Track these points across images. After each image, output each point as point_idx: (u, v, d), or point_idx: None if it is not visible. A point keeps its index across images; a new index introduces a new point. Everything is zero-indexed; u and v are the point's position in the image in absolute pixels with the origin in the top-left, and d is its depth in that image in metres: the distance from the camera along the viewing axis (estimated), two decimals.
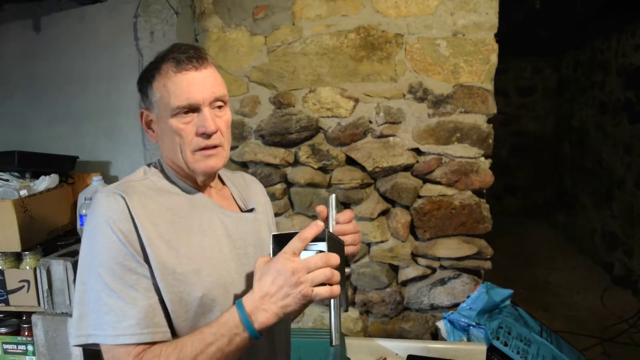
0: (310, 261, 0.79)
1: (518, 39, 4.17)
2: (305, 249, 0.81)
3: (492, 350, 1.72)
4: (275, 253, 0.82)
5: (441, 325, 1.96)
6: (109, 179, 2.15)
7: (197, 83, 0.91)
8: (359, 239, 0.98)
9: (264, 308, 0.79)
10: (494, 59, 2.08)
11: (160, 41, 2.09)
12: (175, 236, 0.90)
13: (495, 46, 2.07)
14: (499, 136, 2.39)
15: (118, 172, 2.24)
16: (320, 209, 0.94)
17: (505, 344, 1.74)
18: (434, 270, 2.19)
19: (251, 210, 1.08)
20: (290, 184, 2.25)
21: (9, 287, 1.75)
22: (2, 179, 1.85)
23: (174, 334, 0.87)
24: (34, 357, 1.80)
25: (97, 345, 0.85)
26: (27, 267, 1.77)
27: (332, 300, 0.82)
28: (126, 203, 0.87)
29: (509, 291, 2.00)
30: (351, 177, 2.16)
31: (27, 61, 2.27)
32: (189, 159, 0.93)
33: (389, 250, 2.18)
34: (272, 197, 2.18)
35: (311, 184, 2.19)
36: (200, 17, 2.23)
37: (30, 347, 1.82)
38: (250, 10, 2.19)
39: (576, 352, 2.01)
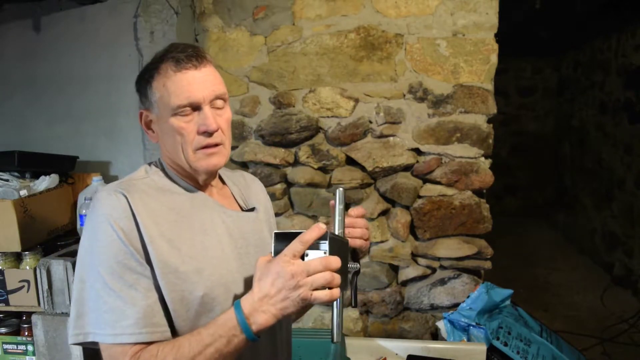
0: (310, 264, 0.78)
1: (518, 39, 4.17)
2: (311, 249, 0.80)
3: (492, 350, 1.72)
4: (276, 251, 0.82)
5: (441, 325, 1.95)
6: (109, 179, 2.15)
7: (197, 82, 0.91)
8: (368, 234, 1.00)
9: (262, 310, 0.79)
10: (494, 59, 2.08)
11: (160, 41, 2.09)
12: (177, 235, 0.90)
13: (495, 46, 2.07)
14: (499, 136, 2.39)
15: (118, 172, 2.24)
16: (333, 204, 0.94)
17: (505, 344, 1.73)
18: (434, 270, 2.19)
19: (252, 209, 1.08)
20: (290, 184, 2.25)
21: (9, 287, 1.75)
22: (2, 179, 1.85)
23: (174, 333, 0.87)
24: (34, 357, 1.80)
25: (96, 343, 0.85)
26: (27, 267, 1.77)
27: None
28: (128, 201, 0.86)
29: (509, 291, 2.00)
30: (351, 177, 2.16)
31: (27, 61, 2.27)
32: (191, 157, 0.93)
33: (389, 250, 2.18)
34: (272, 197, 2.18)
35: (311, 184, 2.19)
36: (200, 17, 2.23)
37: (30, 347, 1.82)
38: (250, 10, 2.19)
39: (576, 352, 2.01)
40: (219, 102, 0.94)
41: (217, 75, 0.96)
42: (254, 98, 2.23)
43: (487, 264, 2.16)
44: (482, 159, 2.13)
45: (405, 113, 2.13)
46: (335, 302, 0.82)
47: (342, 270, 0.82)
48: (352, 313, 2.24)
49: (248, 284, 0.95)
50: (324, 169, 2.21)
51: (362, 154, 2.15)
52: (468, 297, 1.97)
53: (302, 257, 0.80)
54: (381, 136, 2.15)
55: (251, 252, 1.00)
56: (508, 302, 2.02)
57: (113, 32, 2.16)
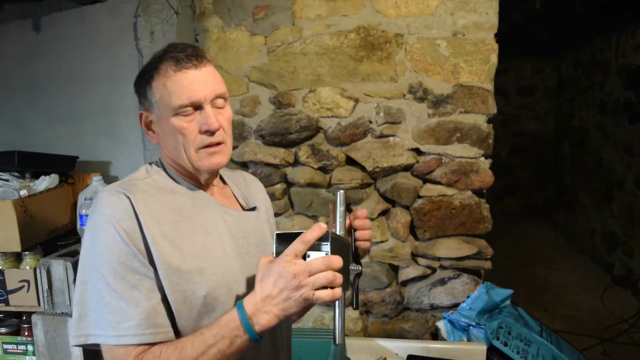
0: (312, 264, 0.78)
1: (518, 39, 4.17)
2: (312, 249, 0.80)
3: (492, 350, 1.72)
4: (278, 252, 0.82)
5: (441, 325, 1.96)
6: (109, 179, 2.15)
7: (197, 81, 0.91)
8: (371, 236, 1.01)
9: (265, 310, 0.79)
10: (494, 59, 2.08)
11: (160, 41, 2.09)
12: (179, 235, 0.89)
13: (495, 46, 2.07)
14: (499, 136, 2.39)
15: (118, 172, 2.24)
16: (332, 206, 0.95)
17: (505, 344, 1.74)
18: (434, 270, 2.20)
19: (253, 208, 1.08)
20: (290, 184, 2.25)
21: (9, 287, 1.75)
22: (2, 179, 1.85)
23: (177, 334, 0.87)
24: (34, 357, 1.80)
25: (98, 345, 0.84)
26: (27, 267, 1.77)
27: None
28: (130, 202, 0.86)
29: (509, 291, 2.00)
30: (351, 177, 2.16)
31: (27, 61, 2.27)
32: (193, 157, 0.93)
33: (389, 250, 2.18)
34: (272, 197, 2.19)
35: (311, 184, 2.19)
36: (200, 17, 2.23)
37: (30, 347, 1.82)
38: (250, 10, 2.19)
39: (576, 352, 2.01)
40: (220, 101, 0.95)
41: (217, 75, 0.96)
42: (254, 98, 2.23)
43: (487, 264, 2.16)
44: (482, 159, 2.13)
45: (405, 113, 2.13)
46: (337, 304, 0.82)
47: (344, 270, 0.82)
48: (352, 313, 2.24)
49: (250, 283, 0.95)
50: (324, 169, 2.21)
51: (362, 154, 2.15)
52: (468, 297, 1.98)
53: (304, 258, 0.80)
54: (381, 136, 2.15)
55: (252, 251, 1.00)
56: (508, 302, 2.02)
57: (113, 32, 2.16)
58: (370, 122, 2.16)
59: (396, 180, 2.14)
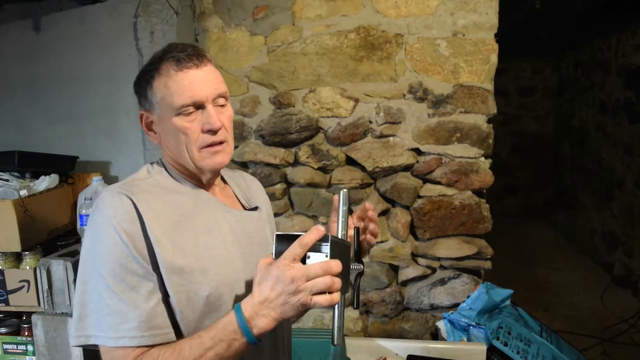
0: (310, 269, 0.77)
1: (518, 39, 4.17)
2: (313, 251, 0.79)
3: (492, 350, 1.72)
4: (277, 253, 0.81)
5: (441, 325, 1.95)
6: (109, 179, 2.15)
7: (199, 81, 0.91)
8: (377, 230, 1.04)
9: (263, 314, 0.78)
10: (494, 59, 2.08)
11: (160, 41, 2.09)
12: (182, 235, 0.89)
13: (495, 46, 2.07)
14: (499, 136, 2.39)
15: (118, 172, 2.24)
16: (335, 204, 0.95)
17: (505, 344, 1.74)
18: (434, 270, 2.20)
19: (255, 208, 1.08)
20: (290, 184, 2.25)
21: (9, 287, 1.75)
22: (2, 179, 1.85)
23: (180, 333, 0.86)
24: (34, 357, 1.80)
25: (97, 345, 0.84)
26: (27, 267, 1.77)
27: None
28: (133, 203, 0.86)
29: (509, 291, 2.00)
30: (351, 177, 2.16)
31: (27, 61, 2.27)
32: (196, 156, 0.93)
33: (389, 250, 2.19)
34: (272, 197, 2.19)
35: (311, 184, 2.19)
36: (200, 17, 2.23)
37: (30, 347, 1.82)
38: (250, 10, 2.19)
39: (576, 352, 2.01)
40: (221, 100, 0.95)
41: (218, 74, 0.96)
42: (254, 98, 2.23)
43: (487, 264, 2.16)
44: (482, 159, 2.13)
45: (405, 113, 2.13)
46: (336, 305, 0.82)
47: (344, 274, 0.81)
48: (352, 313, 2.24)
49: (252, 283, 0.95)
50: (324, 169, 2.21)
51: (362, 154, 2.15)
52: (468, 297, 1.97)
53: (304, 260, 0.79)
54: (381, 136, 2.15)
55: (255, 251, 1.00)
56: (508, 302, 2.02)
57: (113, 32, 2.16)
58: (370, 122, 2.16)
59: (396, 180, 2.14)
